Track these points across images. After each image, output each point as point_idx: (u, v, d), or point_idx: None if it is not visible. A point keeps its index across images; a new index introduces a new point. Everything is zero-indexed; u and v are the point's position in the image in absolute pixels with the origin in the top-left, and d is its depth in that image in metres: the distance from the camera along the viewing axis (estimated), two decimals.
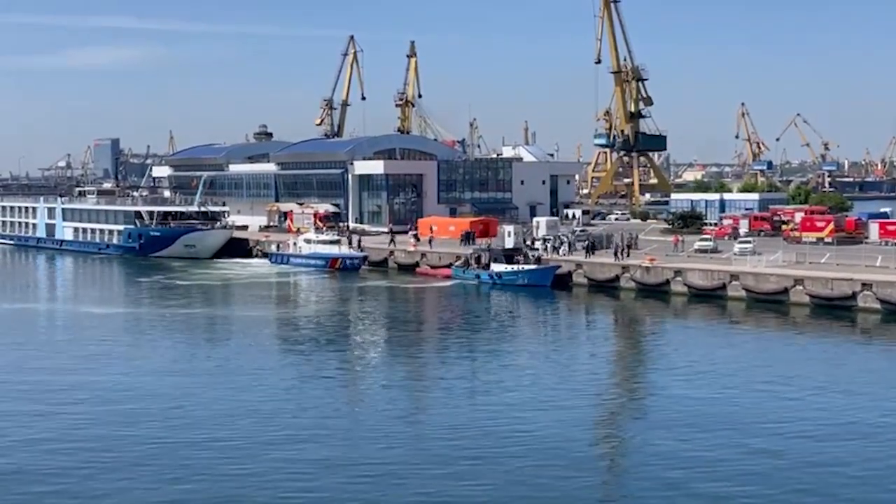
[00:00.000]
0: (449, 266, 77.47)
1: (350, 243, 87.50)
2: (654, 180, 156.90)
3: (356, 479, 27.12)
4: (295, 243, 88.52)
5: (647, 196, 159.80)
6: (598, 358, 46.52)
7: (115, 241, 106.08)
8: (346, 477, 27.35)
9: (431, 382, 40.52)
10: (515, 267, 71.05)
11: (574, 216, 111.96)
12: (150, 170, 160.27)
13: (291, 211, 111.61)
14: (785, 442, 30.39)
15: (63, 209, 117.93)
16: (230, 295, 72.21)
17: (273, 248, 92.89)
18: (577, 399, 36.65)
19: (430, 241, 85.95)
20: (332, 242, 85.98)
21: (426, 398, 37.79)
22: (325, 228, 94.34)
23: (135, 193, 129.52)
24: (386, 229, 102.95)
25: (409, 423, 33.68)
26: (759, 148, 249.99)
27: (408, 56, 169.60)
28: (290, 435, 31.55)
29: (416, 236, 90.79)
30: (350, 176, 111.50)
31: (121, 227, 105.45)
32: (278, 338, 53.31)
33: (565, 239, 78.46)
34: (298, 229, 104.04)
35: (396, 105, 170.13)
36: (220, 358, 45.76)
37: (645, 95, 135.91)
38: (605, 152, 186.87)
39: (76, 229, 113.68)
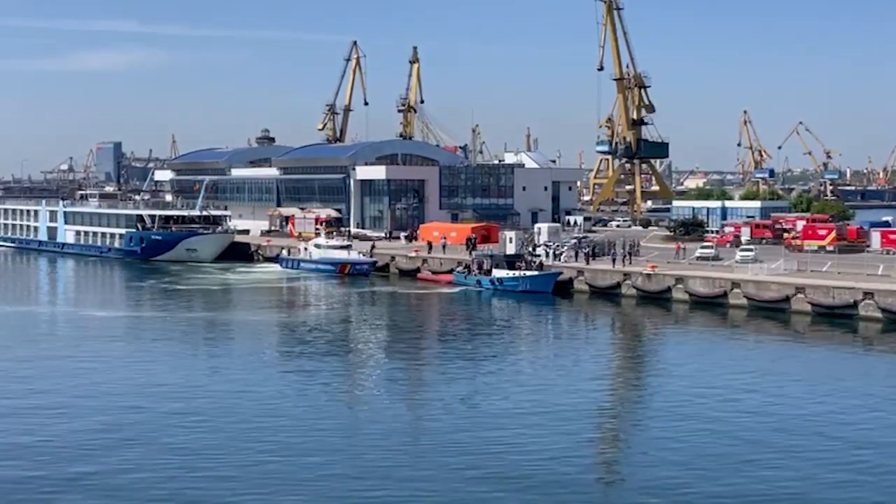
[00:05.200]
0: (450, 272, 77.52)
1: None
2: (655, 187, 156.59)
3: (357, 485, 27.18)
4: (305, 248, 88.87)
5: (649, 203, 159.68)
6: (599, 365, 46.59)
7: (116, 244, 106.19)
8: (347, 483, 27.41)
9: (433, 389, 40.59)
10: (517, 273, 71.11)
11: (576, 223, 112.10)
12: (152, 174, 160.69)
13: (293, 216, 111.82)
14: (783, 449, 30.45)
15: (65, 212, 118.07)
16: (240, 299, 72.26)
17: (284, 252, 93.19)
18: (578, 407, 36.69)
19: (443, 247, 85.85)
20: (341, 248, 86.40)
21: (427, 404, 37.85)
22: (334, 234, 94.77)
23: (137, 197, 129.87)
24: (383, 234, 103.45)
25: (411, 428, 33.81)
26: (762, 156, 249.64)
27: (410, 61, 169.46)
28: (291, 438, 31.63)
29: (408, 238, 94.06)
30: (352, 181, 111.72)
31: (122, 231, 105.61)
32: (284, 342, 53.39)
33: (564, 247, 78.31)
34: (300, 234, 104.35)
35: (399, 110, 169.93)
36: (227, 362, 45.87)
37: (647, 102, 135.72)
38: (607, 159, 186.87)
39: (78, 232, 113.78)
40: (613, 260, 71.67)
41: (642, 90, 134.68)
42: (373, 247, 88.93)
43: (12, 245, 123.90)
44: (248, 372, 42.82)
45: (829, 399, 37.51)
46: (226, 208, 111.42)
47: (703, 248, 77.52)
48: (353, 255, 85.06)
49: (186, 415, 34.75)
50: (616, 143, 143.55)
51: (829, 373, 43.41)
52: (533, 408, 35.72)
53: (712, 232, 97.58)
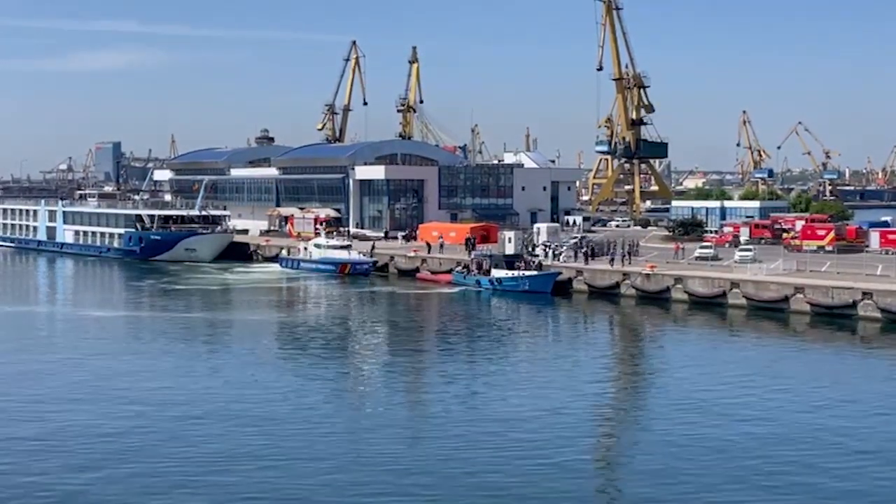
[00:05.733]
0: (449, 272, 77.46)
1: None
2: (654, 187, 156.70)
3: (357, 488, 27.14)
4: (305, 248, 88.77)
5: (648, 203, 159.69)
6: (598, 367, 46.52)
7: (115, 244, 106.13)
8: (346, 487, 27.37)
9: (432, 391, 40.53)
10: (516, 273, 71.04)
11: (575, 223, 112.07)
12: (152, 173, 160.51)
13: (292, 215, 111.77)
14: (785, 452, 30.41)
15: (64, 212, 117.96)
16: (239, 299, 72.16)
17: (283, 252, 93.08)
18: (577, 409, 36.62)
19: (440, 247, 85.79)
20: (342, 248, 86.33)
21: (427, 406, 37.81)
22: (335, 233, 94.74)
23: (136, 197, 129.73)
24: (381, 234, 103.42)
25: (410, 431, 33.73)
26: (761, 156, 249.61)
27: (410, 61, 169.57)
28: (288, 441, 31.59)
29: (405, 238, 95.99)
30: (351, 181, 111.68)
31: (121, 231, 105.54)
32: (284, 342, 53.30)
33: (563, 247, 78.18)
34: (299, 234, 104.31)
35: (398, 110, 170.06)
36: (225, 362, 45.83)
37: (646, 102, 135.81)
38: (607, 159, 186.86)
39: (77, 232, 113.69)
40: (611, 260, 71.64)
41: (641, 90, 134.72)
42: (373, 247, 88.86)
43: (11, 245, 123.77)
44: (248, 373, 42.76)
45: (831, 401, 37.36)
46: (225, 208, 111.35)
47: (702, 248, 77.42)
48: (354, 255, 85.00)
49: (184, 416, 34.66)
50: (615, 143, 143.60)
51: (830, 374, 43.33)
52: (532, 410, 35.58)
53: (711, 232, 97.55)
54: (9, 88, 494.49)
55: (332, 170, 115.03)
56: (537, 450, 30.19)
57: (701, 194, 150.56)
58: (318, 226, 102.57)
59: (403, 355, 48.77)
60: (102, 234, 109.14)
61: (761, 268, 65.17)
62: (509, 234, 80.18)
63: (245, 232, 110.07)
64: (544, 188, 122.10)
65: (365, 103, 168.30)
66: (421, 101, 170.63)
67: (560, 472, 28.25)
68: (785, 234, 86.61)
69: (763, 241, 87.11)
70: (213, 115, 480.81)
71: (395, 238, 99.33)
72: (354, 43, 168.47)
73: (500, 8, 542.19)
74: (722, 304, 61.80)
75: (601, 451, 32.10)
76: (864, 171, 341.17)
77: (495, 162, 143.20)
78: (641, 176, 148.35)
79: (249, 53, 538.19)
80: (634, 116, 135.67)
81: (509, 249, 76.39)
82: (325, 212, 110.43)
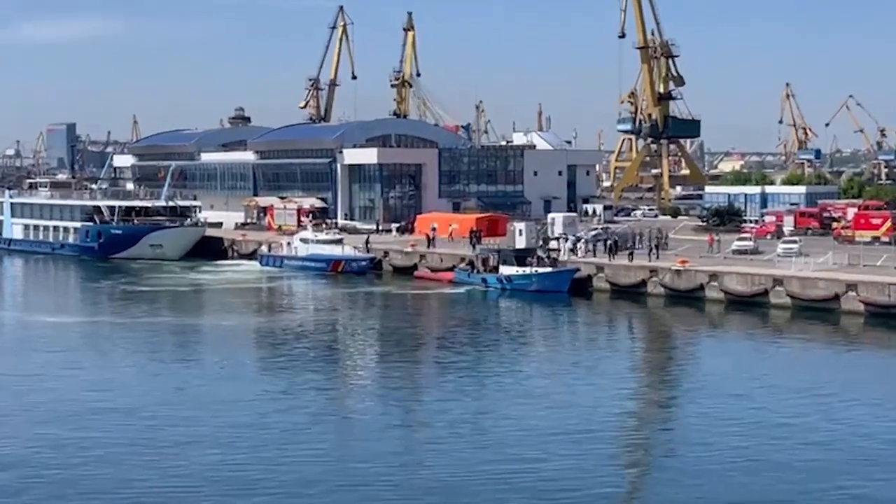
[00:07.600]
0: (451, 269, 77.44)
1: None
2: (685, 171, 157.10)
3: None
4: (289, 243, 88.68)
5: (678, 189, 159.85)
6: (622, 379, 46.29)
7: (70, 240, 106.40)
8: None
9: (433, 407, 40.41)
10: (528, 270, 71.02)
11: (595, 212, 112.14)
12: (111, 159, 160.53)
13: (272, 206, 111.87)
14: (831, 475, 30.32)
15: (12, 204, 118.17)
16: (213, 302, 72.28)
17: (263, 248, 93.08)
18: (598, 429, 36.30)
19: (434, 241, 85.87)
20: (333, 242, 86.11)
21: (427, 426, 37.74)
22: (324, 226, 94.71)
23: (93, 186, 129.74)
24: (373, 226, 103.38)
25: (410, 452, 33.83)
26: (806, 134, 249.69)
27: (405, 29, 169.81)
28: (271, 465, 31.60)
29: (400, 230, 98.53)
30: (339, 166, 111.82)
31: (78, 225, 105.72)
32: (262, 352, 53.33)
33: (581, 240, 78.14)
34: (280, 227, 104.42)
35: (392, 85, 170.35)
36: (197, 376, 45.86)
37: (675, 74, 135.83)
38: (630, 139, 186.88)
39: (27, 227, 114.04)
40: (630, 255, 71.57)
41: (670, 60, 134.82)
42: (367, 241, 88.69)
43: None
44: (222, 387, 42.81)
45: (887, 416, 37.26)
46: (195, 198, 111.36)
47: (740, 240, 77.62)
48: (349, 251, 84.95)
49: (150, 437, 34.57)
50: (640, 121, 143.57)
51: (887, 384, 43.19)
52: (547, 429, 35.30)
53: (750, 222, 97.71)
54: None
55: (317, 154, 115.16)
56: (552, 480, 29.91)
57: (738, 179, 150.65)
58: (302, 218, 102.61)
59: (400, 368, 48.65)
60: (56, 229, 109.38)
61: (808, 262, 65.18)
62: (520, 225, 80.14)
63: (218, 225, 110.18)
64: (559, 173, 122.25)
65: (354, 77, 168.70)
66: (418, 75, 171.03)
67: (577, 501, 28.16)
68: (835, 224, 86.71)
69: (810, 231, 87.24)
70: (180, 93, 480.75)
71: (389, 231, 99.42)
72: (342, 8, 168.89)
73: None
74: (763, 303, 61.81)
75: (624, 479, 31.91)
76: None
77: (503, 143, 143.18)
78: (670, 158, 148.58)
79: (222, 21, 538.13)
80: (662, 90, 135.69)
81: (520, 243, 76.32)
82: (310, 202, 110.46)
